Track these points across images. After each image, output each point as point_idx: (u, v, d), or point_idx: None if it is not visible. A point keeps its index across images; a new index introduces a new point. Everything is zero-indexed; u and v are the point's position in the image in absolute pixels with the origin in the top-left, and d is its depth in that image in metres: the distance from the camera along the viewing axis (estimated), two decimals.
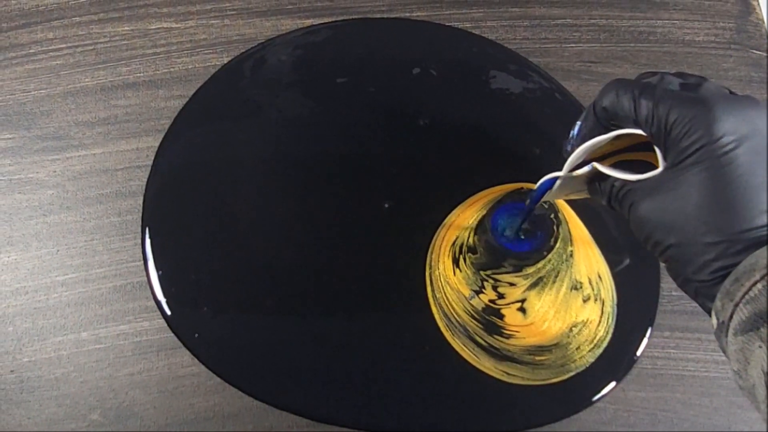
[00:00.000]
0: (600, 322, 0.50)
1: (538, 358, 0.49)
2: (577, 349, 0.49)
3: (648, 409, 0.49)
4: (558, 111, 0.56)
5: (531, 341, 0.49)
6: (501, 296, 0.50)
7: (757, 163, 0.30)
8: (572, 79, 0.58)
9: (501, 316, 0.50)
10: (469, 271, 0.51)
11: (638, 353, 0.49)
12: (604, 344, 0.49)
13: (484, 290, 0.50)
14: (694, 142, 0.30)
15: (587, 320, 0.50)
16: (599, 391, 0.48)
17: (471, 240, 0.52)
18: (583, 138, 0.36)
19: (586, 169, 0.36)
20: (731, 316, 0.29)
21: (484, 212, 0.53)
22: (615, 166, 0.35)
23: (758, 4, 0.62)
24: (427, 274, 0.51)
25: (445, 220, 0.52)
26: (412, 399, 0.47)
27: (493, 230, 0.52)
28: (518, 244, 0.52)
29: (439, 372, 0.48)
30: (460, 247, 0.51)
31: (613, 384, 0.48)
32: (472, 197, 0.53)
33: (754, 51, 0.60)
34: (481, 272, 0.51)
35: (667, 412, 0.49)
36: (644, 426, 0.48)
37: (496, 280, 0.51)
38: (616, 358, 0.49)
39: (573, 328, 0.49)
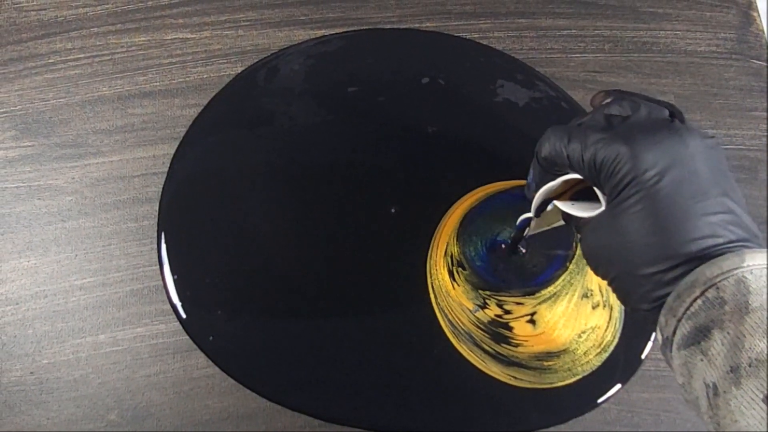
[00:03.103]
0: (607, 327, 0.50)
1: (546, 363, 0.49)
2: (584, 353, 0.49)
3: (651, 410, 0.49)
4: (564, 119, 0.56)
5: (539, 348, 0.49)
6: (508, 312, 0.49)
7: (681, 192, 0.30)
8: (578, 88, 0.59)
9: (509, 328, 0.49)
10: (467, 287, 0.50)
11: (643, 356, 0.50)
12: (611, 348, 0.49)
13: (488, 306, 0.50)
14: (621, 180, 0.31)
15: (595, 326, 0.50)
16: (604, 393, 0.49)
17: (456, 251, 0.51)
18: (537, 183, 0.37)
19: (549, 207, 0.37)
20: (674, 332, 0.29)
21: (458, 223, 0.52)
22: (580, 194, 0.36)
23: (758, 15, 0.63)
24: (429, 282, 0.51)
25: (437, 229, 0.52)
26: (421, 400, 0.48)
27: (472, 263, 0.51)
28: (509, 277, 0.50)
29: (447, 374, 0.49)
30: (451, 258, 0.51)
31: (618, 386, 0.49)
32: (453, 204, 0.53)
33: (755, 61, 0.61)
34: (480, 291, 0.50)
35: (670, 413, 0.49)
36: (647, 426, 0.49)
37: (499, 299, 0.50)
38: (622, 361, 0.49)
39: (582, 335, 0.49)
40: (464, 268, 0.50)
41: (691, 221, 0.29)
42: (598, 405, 0.49)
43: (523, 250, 0.50)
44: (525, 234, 0.43)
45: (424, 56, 0.59)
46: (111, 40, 0.59)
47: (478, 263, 0.50)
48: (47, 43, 0.59)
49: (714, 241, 0.29)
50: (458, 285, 0.50)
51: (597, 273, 0.34)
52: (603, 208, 0.33)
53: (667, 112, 0.34)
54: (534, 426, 0.48)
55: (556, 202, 0.36)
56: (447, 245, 0.51)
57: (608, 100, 0.36)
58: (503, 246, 0.51)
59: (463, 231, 0.51)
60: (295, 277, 0.51)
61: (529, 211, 0.39)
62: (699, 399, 0.28)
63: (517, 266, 0.50)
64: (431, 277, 0.51)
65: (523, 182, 0.40)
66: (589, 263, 0.34)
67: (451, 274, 0.50)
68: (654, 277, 0.30)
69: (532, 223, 0.41)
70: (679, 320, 0.29)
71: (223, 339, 0.49)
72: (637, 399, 0.50)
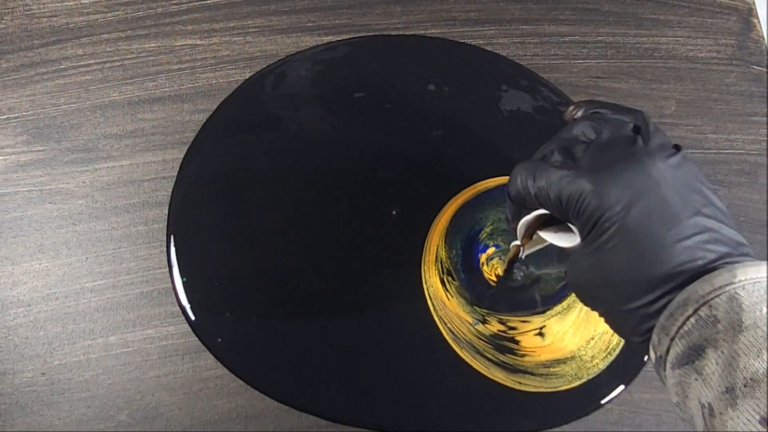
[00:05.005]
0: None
1: (552, 369, 0.48)
2: (591, 358, 0.49)
3: (653, 411, 0.50)
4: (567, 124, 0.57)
5: (547, 357, 0.48)
6: (512, 328, 0.48)
7: (651, 223, 0.29)
8: (580, 93, 0.59)
9: (515, 342, 0.48)
10: (460, 299, 0.49)
11: (645, 358, 0.50)
12: (616, 352, 0.49)
13: (488, 321, 0.48)
14: (590, 218, 0.30)
15: (603, 331, 0.49)
16: (608, 394, 0.49)
17: (444, 256, 0.49)
18: (513, 216, 0.38)
19: (534, 236, 0.38)
20: (668, 351, 0.29)
21: (446, 227, 0.50)
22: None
23: (758, 21, 0.64)
24: (424, 288, 0.51)
25: (429, 230, 0.51)
26: (426, 401, 0.49)
27: (458, 276, 0.48)
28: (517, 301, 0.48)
29: (450, 377, 0.49)
30: (441, 265, 0.50)
31: (621, 387, 0.49)
32: (448, 203, 0.52)
33: (755, 67, 0.62)
34: (476, 308, 0.49)
35: (671, 413, 0.50)
36: (649, 426, 0.49)
37: (500, 318, 0.48)
38: (626, 363, 0.50)
39: (590, 341, 0.49)
40: (454, 279, 0.49)
41: (665, 250, 0.29)
42: (601, 406, 0.49)
43: (521, 274, 0.49)
44: (520, 256, 0.43)
45: (430, 62, 0.59)
46: (121, 47, 0.60)
47: (462, 275, 0.49)
48: (58, 49, 0.59)
49: (692, 265, 0.29)
50: (451, 297, 0.49)
51: (587, 306, 0.34)
52: (579, 241, 0.33)
53: (630, 127, 0.33)
54: (537, 426, 0.49)
55: (539, 233, 0.37)
56: (437, 248, 0.51)
57: (579, 114, 0.36)
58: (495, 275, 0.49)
59: (449, 232, 0.50)
60: (302, 279, 0.52)
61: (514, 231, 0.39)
62: (695, 418, 0.28)
63: (518, 297, 0.49)
64: (426, 283, 0.50)
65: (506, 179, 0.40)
66: (577, 297, 0.34)
67: (443, 283, 0.50)
68: (639, 311, 0.30)
69: (524, 248, 0.40)
70: (672, 339, 0.28)
71: (232, 340, 0.50)
72: (640, 399, 0.50)
